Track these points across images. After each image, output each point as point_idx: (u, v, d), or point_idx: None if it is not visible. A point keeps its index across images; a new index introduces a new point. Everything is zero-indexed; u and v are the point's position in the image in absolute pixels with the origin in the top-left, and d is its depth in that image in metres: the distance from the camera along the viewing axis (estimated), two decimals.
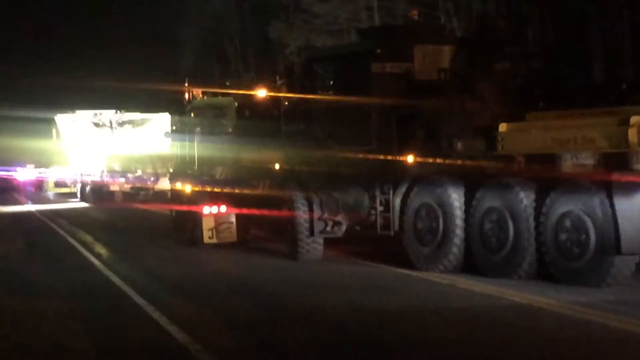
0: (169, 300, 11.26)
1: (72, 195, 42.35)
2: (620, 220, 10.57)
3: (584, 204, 10.92)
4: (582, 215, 10.95)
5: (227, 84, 21.26)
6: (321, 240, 14.98)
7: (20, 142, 45.89)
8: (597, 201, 10.79)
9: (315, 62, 15.50)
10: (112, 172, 37.83)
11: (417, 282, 12.20)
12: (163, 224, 22.37)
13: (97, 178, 38.39)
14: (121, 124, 39.86)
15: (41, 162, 48.60)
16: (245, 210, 17.40)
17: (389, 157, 13.37)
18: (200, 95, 21.35)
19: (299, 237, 14.85)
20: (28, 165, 52.28)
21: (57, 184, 45.01)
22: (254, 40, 43.77)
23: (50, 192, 45.79)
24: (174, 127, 22.96)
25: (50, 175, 45.90)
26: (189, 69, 45.06)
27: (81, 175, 40.06)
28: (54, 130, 42.64)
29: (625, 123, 10.54)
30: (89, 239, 20.02)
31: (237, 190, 17.87)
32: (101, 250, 17.65)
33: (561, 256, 11.26)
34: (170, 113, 24.66)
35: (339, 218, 14.62)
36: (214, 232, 17.71)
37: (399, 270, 13.15)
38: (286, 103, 16.46)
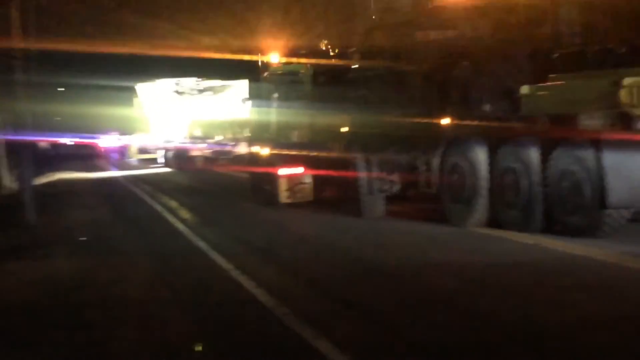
0: (254, 263, 11.23)
1: (155, 161, 43.25)
2: (608, 176, 11.21)
3: (579, 161, 11.64)
4: (578, 171, 11.65)
5: (302, 52, 21.68)
6: (382, 198, 15.82)
7: (103, 110, 47.04)
8: (589, 158, 11.45)
9: (374, 30, 16.53)
10: (193, 138, 38.68)
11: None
12: (242, 187, 22.99)
13: (178, 144, 39.28)
14: (201, 91, 40.61)
15: (124, 130, 49.74)
16: (318, 171, 18.16)
17: (429, 120, 14.15)
18: (277, 63, 22.23)
19: (362, 195, 15.87)
20: (112, 133, 53.53)
21: (141, 151, 45.98)
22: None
23: (134, 159, 46.79)
24: (252, 93, 23.85)
25: (134, 142, 46.92)
26: (268, 33, 45.38)
27: (163, 141, 41.02)
28: (136, 99, 43.68)
29: (617, 84, 11.08)
30: (173, 204, 20.23)
31: (311, 153, 18.51)
32: (186, 215, 17.76)
33: (562, 210, 11.97)
34: (248, 80, 25.44)
35: (393, 177, 15.52)
36: (290, 192, 18.48)
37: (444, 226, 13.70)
38: (351, 70, 17.34)
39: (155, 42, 53.43)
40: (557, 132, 12.00)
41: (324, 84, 19.10)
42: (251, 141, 22.87)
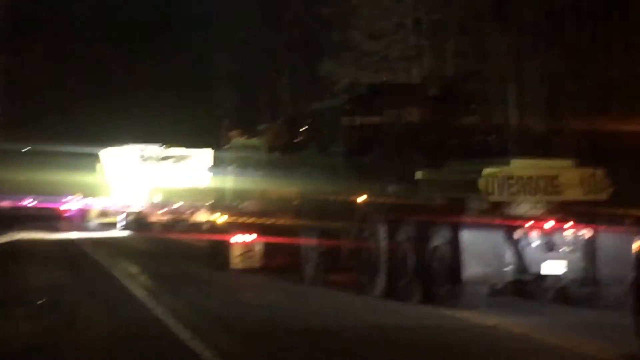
0: (210, 331, 11.26)
1: (115, 225, 43.10)
2: (463, 254, 12.44)
3: (445, 239, 12.86)
4: (445, 248, 12.89)
5: (262, 126, 22.86)
6: (320, 267, 16.71)
7: (66, 173, 46.99)
8: (451, 237, 12.69)
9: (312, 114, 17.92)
10: (153, 204, 38.76)
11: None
12: (197, 254, 23.47)
13: (138, 209, 39.30)
14: (164, 158, 40.75)
15: (86, 193, 49.60)
16: (270, 239, 18.92)
17: (349, 197, 15.48)
18: (239, 136, 23.04)
19: (302, 263, 17.05)
20: (73, 196, 53.34)
21: (101, 214, 45.85)
22: (303, 76, 43.17)
23: (94, 222, 46.58)
24: (215, 162, 24.94)
25: (94, 206, 46.75)
26: (231, 107, 45.89)
27: (123, 206, 41.00)
28: (98, 164, 43.81)
29: (478, 174, 12.72)
30: (132, 269, 20.08)
31: (263, 221, 19.34)
32: (144, 280, 17.69)
33: (434, 281, 13.20)
34: (213, 150, 26.50)
35: (327, 247, 16.38)
36: (242, 258, 19.21)
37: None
38: (296, 146, 18.70)
39: (120, 109, 53.76)
40: (429, 214, 13.38)
41: (277, 158, 19.92)
42: (212, 208, 23.52)
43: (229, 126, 24.38)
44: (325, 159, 16.51)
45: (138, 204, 39.35)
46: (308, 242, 16.72)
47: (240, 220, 20.27)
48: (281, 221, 18.53)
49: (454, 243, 12.57)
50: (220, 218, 21.51)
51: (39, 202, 53.46)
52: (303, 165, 17.68)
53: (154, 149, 41.00)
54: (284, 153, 19.58)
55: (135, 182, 39.94)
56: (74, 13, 32.90)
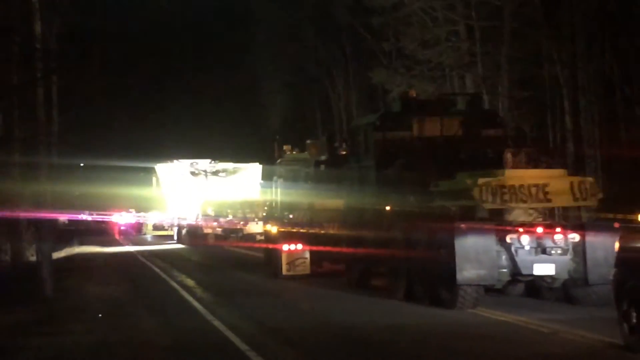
0: (268, 343, 11.29)
1: (169, 237, 43.34)
2: (457, 258, 13.19)
3: (443, 244, 13.66)
4: (442, 253, 13.64)
5: (308, 142, 23.74)
6: (363, 272, 17.82)
7: (121, 188, 47.30)
8: (448, 242, 13.43)
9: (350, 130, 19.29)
10: (206, 216, 38.86)
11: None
12: (249, 263, 24.18)
13: (192, 221, 39.43)
14: (215, 172, 41.11)
15: (140, 207, 49.85)
16: (316, 248, 19.90)
17: (379, 205, 16.54)
18: (289, 151, 24.17)
19: (347, 270, 18.53)
20: (129, 210, 53.63)
21: (156, 227, 46.16)
22: (357, 85, 42.73)
23: (149, 235, 46.85)
24: (265, 176, 26.11)
25: (149, 219, 47.05)
26: (282, 122, 45.67)
27: (177, 219, 41.18)
28: (154, 178, 43.95)
29: (475, 184, 13.56)
30: (189, 282, 20.17)
31: (310, 230, 20.35)
32: (201, 293, 17.76)
33: (429, 283, 14.22)
34: (261, 164, 28.01)
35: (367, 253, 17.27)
36: (291, 265, 20.06)
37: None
38: (338, 161, 20.15)
39: (173, 126, 53.90)
40: (437, 222, 14.16)
41: (321, 171, 21.10)
42: (264, 220, 24.74)
43: (281, 141, 25.10)
44: (361, 172, 17.44)
45: (192, 217, 39.52)
46: (350, 250, 17.67)
47: (290, 230, 21.27)
48: (326, 231, 19.57)
49: (453, 248, 13.26)
50: (272, 229, 22.52)
51: (95, 216, 53.78)
52: (343, 178, 18.71)
53: (205, 163, 41.40)
54: (327, 167, 20.63)
55: (188, 196, 40.20)
56: (132, 30, 32.90)
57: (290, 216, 22.21)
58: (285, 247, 20.17)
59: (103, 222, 55.22)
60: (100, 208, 52.60)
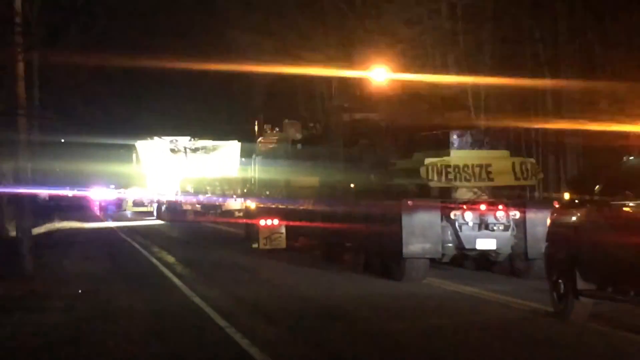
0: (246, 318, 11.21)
1: (149, 213, 43.18)
2: (403, 232, 13.96)
3: (393, 220, 14.31)
4: (393, 228, 14.27)
5: (285, 121, 24.22)
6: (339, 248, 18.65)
7: (101, 164, 47.01)
8: (396, 218, 14.13)
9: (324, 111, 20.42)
10: (185, 193, 38.79)
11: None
12: (227, 239, 24.98)
13: (171, 198, 39.33)
14: (194, 149, 41.08)
15: (121, 183, 49.56)
16: (292, 223, 20.63)
17: (346, 182, 17.71)
18: (270, 130, 24.55)
19: (322, 244, 19.43)
20: (109, 186, 53.26)
21: (136, 204, 46.03)
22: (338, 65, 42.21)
23: (129, 211, 46.63)
24: (243, 154, 27.48)
25: (129, 196, 46.83)
26: (262, 102, 45.35)
27: (157, 195, 41.05)
28: (134, 155, 43.66)
29: (421, 164, 14.60)
30: (169, 258, 19.99)
31: (287, 206, 21.08)
32: (180, 269, 17.64)
33: (382, 256, 15.05)
34: (242, 142, 29.18)
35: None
36: (268, 240, 20.85)
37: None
38: (313, 140, 21.00)
39: (153, 103, 53.34)
40: (391, 198, 14.97)
41: (298, 150, 21.85)
42: (244, 196, 25.55)
43: (262, 120, 25.41)
44: (332, 151, 18.23)
45: (171, 193, 39.42)
46: (322, 225, 18.37)
47: (268, 206, 22.22)
48: (301, 207, 20.16)
49: (400, 223, 13.95)
50: (251, 205, 23.52)
51: (76, 192, 53.39)
52: (317, 157, 19.47)
53: (184, 141, 41.29)
54: (303, 146, 21.30)
55: (168, 173, 40.14)
56: (112, 6, 32.39)
57: (268, 193, 23.04)
58: (262, 222, 20.95)
59: (84, 198, 54.83)
60: (81, 184, 52.23)
